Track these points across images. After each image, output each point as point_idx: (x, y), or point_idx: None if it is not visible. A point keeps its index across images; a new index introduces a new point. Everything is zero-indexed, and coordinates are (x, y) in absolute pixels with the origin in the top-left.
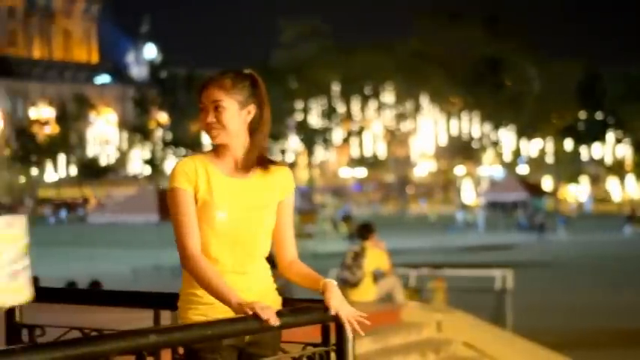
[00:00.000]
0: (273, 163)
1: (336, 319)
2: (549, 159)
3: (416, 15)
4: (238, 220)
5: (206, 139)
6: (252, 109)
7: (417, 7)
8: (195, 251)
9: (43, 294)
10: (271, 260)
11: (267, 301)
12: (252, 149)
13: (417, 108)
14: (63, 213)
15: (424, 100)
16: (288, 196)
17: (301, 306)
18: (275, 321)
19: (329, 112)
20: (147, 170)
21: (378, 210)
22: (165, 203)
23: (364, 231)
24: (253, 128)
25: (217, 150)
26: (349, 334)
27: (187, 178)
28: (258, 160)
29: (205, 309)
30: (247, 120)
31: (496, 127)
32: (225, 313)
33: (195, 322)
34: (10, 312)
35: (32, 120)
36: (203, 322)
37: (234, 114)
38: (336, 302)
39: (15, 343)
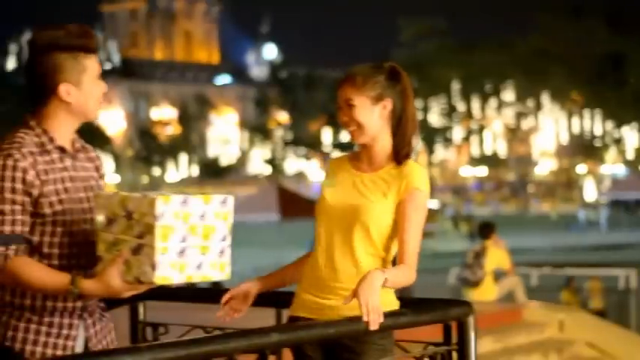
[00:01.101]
0: (407, 158)
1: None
2: None
3: (537, 12)
4: (338, 215)
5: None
6: (387, 103)
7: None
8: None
9: (165, 293)
10: None
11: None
12: (394, 144)
13: (538, 106)
14: None
15: (545, 98)
16: (406, 194)
17: (422, 306)
18: None
19: (449, 111)
20: (267, 170)
21: (499, 209)
22: (286, 202)
23: (485, 230)
24: (394, 123)
25: (360, 148)
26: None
27: (325, 179)
28: (394, 155)
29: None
30: (384, 115)
31: (619, 124)
32: (298, 310)
33: (318, 322)
34: (134, 310)
35: (154, 121)
36: (326, 321)
37: (367, 111)
38: (363, 287)
39: (139, 341)
